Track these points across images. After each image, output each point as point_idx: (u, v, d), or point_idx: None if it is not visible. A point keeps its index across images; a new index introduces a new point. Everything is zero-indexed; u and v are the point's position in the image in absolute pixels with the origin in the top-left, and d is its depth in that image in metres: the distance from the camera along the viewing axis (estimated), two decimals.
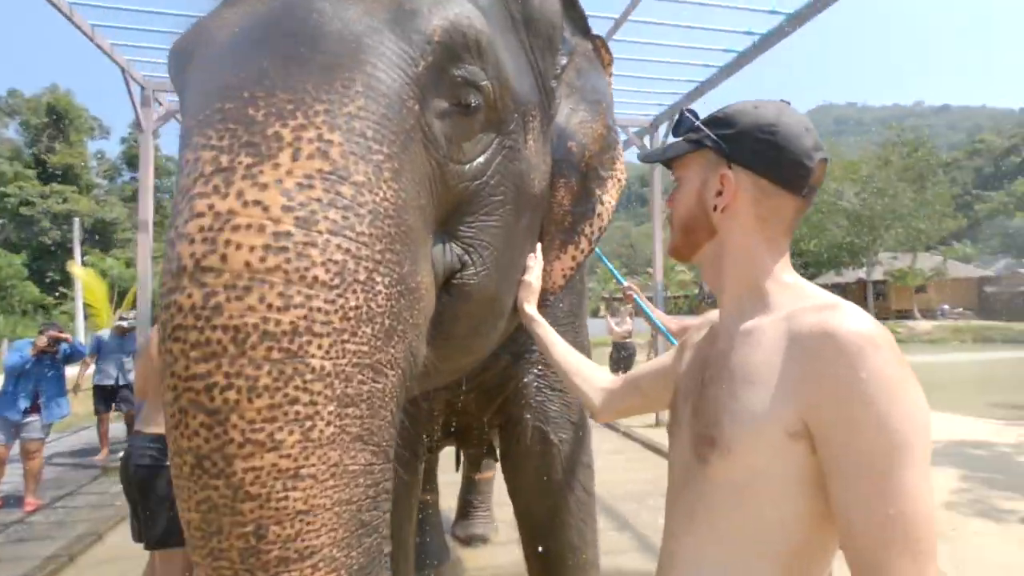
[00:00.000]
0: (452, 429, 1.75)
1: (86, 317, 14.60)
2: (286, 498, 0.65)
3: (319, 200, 0.69)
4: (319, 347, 0.67)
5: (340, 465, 0.69)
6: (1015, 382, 12.51)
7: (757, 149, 0.72)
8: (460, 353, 1.09)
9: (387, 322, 0.74)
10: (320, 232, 0.69)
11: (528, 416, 1.63)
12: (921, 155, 28.79)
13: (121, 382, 5.59)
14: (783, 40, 4.64)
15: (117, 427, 6.09)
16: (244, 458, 0.64)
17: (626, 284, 2.38)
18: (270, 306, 0.65)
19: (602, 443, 5.56)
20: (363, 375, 0.71)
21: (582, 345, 1.74)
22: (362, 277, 0.71)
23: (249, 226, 0.66)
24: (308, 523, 0.66)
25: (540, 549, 1.72)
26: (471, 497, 3.48)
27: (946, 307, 31.80)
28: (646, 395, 1.01)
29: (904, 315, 30.34)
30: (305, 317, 0.66)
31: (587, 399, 1.09)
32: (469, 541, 3.30)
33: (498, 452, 1.90)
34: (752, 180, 0.73)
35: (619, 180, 1.40)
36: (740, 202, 0.74)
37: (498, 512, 3.47)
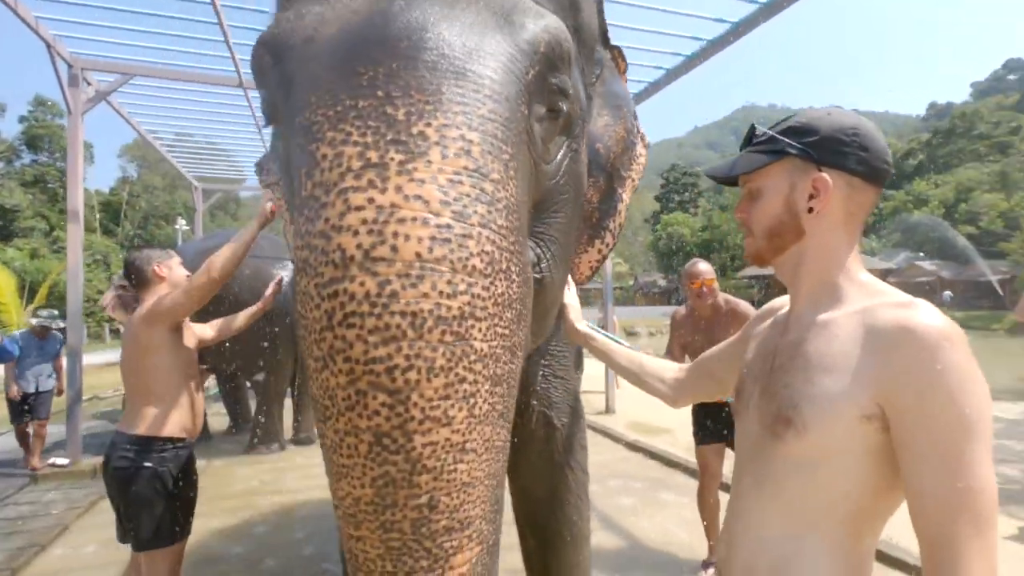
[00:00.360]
0: None
1: None
2: (455, 471, 0.71)
3: (468, 195, 0.75)
4: (479, 330, 0.74)
5: (491, 440, 0.76)
6: None
7: (846, 151, 0.79)
8: (534, 337, 1.15)
9: (518, 307, 0.81)
10: (473, 224, 0.74)
11: (535, 402, 1.71)
12: None
13: (41, 389, 5.00)
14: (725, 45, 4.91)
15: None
16: (423, 433, 0.69)
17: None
18: (441, 293, 0.71)
19: None
20: (505, 356, 0.78)
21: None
22: (504, 266, 0.78)
23: (415, 219, 0.71)
24: (469, 494, 0.73)
25: (539, 524, 1.82)
26: None
27: None
28: (720, 380, 1.10)
29: None
30: (469, 303, 0.73)
31: (661, 394, 1.18)
32: None
33: None
34: (845, 180, 0.80)
35: (634, 180, 1.52)
36: (834, 201, 0.80)
37: None
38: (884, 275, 37.02)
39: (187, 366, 2.09)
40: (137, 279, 2.13)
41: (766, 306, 1.02)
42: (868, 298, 0.77)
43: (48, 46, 4.53)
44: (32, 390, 4.96)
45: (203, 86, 5.75)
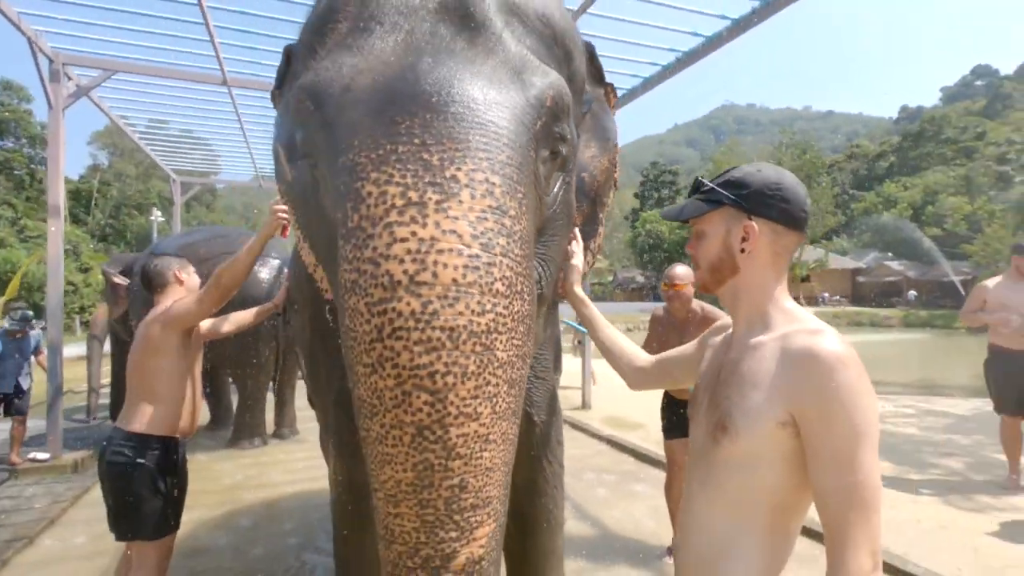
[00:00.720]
0: None
1: None
2: (481, 458, 0.88)
3: (492, 229, 0.91)
4: (501, 342, 0.90)
5: (507, 433, 0.93)
6: (883, 362, 14.38)
7: (770, 203, 0.96)
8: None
9: (528, 322, 0.97)
10: (496, 254, 0.90)
11: None
12: (808, 158, 31.86)
13: (23, 388, 4.97)
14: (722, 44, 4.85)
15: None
16: (457, 426, 0.85)
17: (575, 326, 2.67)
18: (472, 311, 0.87)
19: None
20: (519, 363, 0.94)
21: (557, 334, 2.11)
22: (519, 288, 0.94)
23: (451, 250, 0.87)
24: (490, 478, 0.89)
25: (518, 512, 1.98)
26: None
27: (826, 295, 35.57)
28: (676, 379, 1.27)
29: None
30: (494, 320, 0.89)
31: (625, 375, 1.35)
32: None
33: None
34: (770, 227, 0.96)
35: (609, 203, 1.71)
36: (761, 245, 0.97)
37: None
38: (854, 274, 38.15)
39: (191, 369, 2.20)
40: (157, 283, 2.27)
41: (719, 323, 1.18)
42: (788, 324, 0.94)
43: (30, 41, 4.51)
44: (10, 390, 4.93)
45: (184, 82, 5.75)
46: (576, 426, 5.99)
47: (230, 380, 5.94)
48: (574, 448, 5.16)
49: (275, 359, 5.42)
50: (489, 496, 0.91)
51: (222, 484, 4.30)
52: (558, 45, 1.30)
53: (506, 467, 0.94)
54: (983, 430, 5.46)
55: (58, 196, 4.85)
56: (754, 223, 0.97)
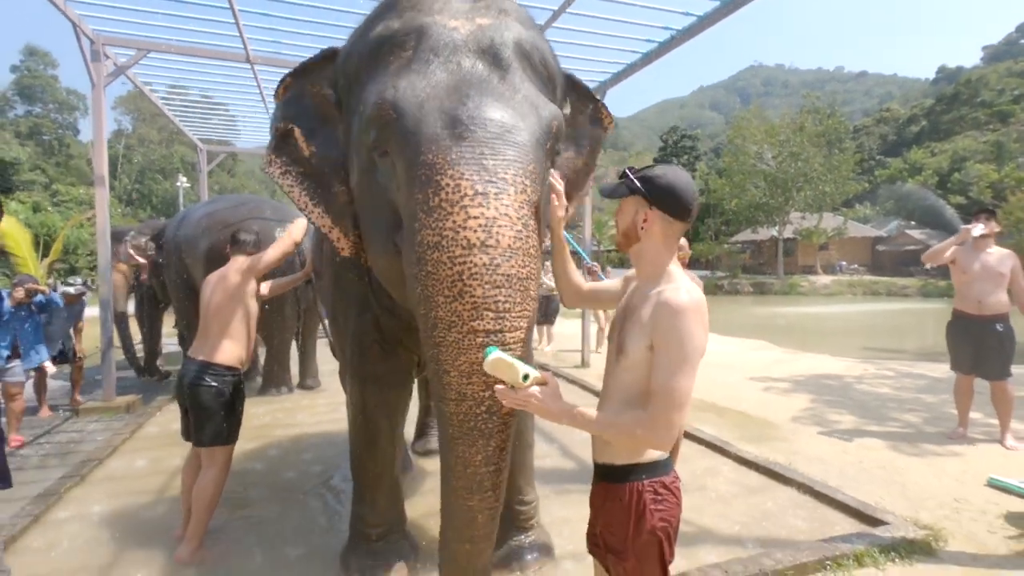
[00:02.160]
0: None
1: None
2: (518, 351, 1.40)
3: (527, 214, 1.44)
4: (532, 285, 1.44)
5: (528, 341, 1.44)
6: (887, 329, 14.63)
7: (666, 200, 1.35)
8: None
9: (539, 272, 1.52)
10: (530, 230, 1.44)
11: None
12: (832, 123, 31.05)
13: (66, 348, 5.38)
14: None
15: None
16: (511, 332, 1.39)
17: (592, 264, 3.08)
18: (520, 265, 1.40)
19: None
20: (536, 297, 1.49)
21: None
22: (537, 253, 1.47)
23: (506, 225, 1.39)
24: (523, 330, 1.42)
25: None
26: (428, 420, 4.22)
27: (844, 263, 35.18)
28: (602, 304, 1.75)
29: (808, 270, 33.36)
30: (529, 271, 1.42)
31: (563, 292, 1.78)
32: (427, 454, 4.04)
33: None
34: (661, 216, 1.37)
35: (585, 193, 2.24)
36: (655, 227, 1.38)
37: None
38: (874, 243, 37.58)
39: (254, 314, 2.78)
40: (254, 245, 2.87)
41: (630, 273, 1.60)
42: (666, 284, 1.35)
43: (74, 25, 4.96)
44: (56, 353, 5.27)
45: (210, 59, 6.16)
46: (574, 382, 6.47)
47: (258, 337, 6.54)
48: (573, 399, 5.64)
49: (296, 318, 5.97)
50: (522, 337, 1.43)
51: (255, 424, 4.89)
52: (551, 81, 1.83)
53: (527, 332, 1.45)
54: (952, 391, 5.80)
55: (102, 166, 5.36)
56: (652, 212, 1.38)
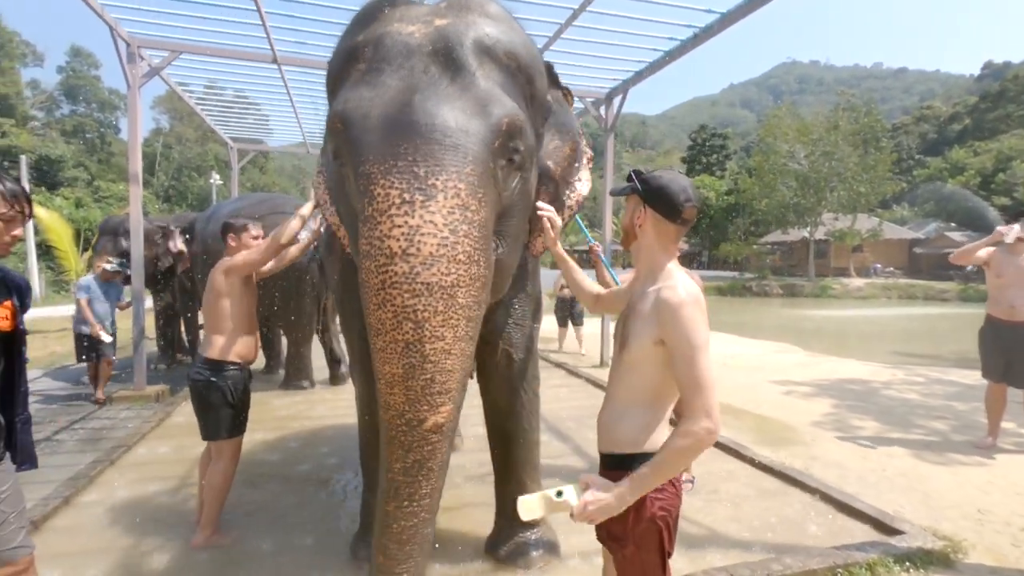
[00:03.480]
0: None
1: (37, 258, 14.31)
2: (444, 363, 1.37)
3: (457, 219, 1.40)
4: (461, 293, 1.39)
5: (464, 350, 1.42)
6: (921, 334, 14.14)
7: (658, 201, 1.41)
8: (493, 294, 1.77)
9: (483, 280, 1.48)
10: (459, 236, 1.40)
11: (500, 342, 2.38)
12: (868, 121, 30.12)
13: (109, 331, 5.55)
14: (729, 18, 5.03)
15: None
16: (430, 343, 1.36)
17: (594, 243, 3.06)
18: (442, 272, 1.36)
19: (551, 379, 6.44)
20: (475, 306, 1.45)
21: (537, 291, 2.56)
22: (476, 258, 1.43)
23: (429, 233, 1.36)
24: (450, 376, 1.39)
25: (500, 429, 2.51)
26: None
27: (879, 266, 34.12)
28: (617, 308, 1.76)
29: (841, 272, 32.45)
30: (456, 278, 1.38)
31: (586, 302, 1.87)
32: None
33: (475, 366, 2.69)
34: (653, 215, 1.43)
35: (586, 185, 2.17)
36: (647, 225, 1.45)
37: (461, 429, 4.28)
38: (911, 245, 36.36)
39: (250, 309, 2.81)
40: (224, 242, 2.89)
41: (636, 276, 1.63)
42: (664, 281, 1.40)
43: (111, 28, 5.15)
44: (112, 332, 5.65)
45: (239, 60, 6.33)
46: (593, 382, 6.46)
47: (281, 332, 6.69)
48: (588, 399, 5.68)
49: (317, 312, 6.10)
50: (450, 388, 1.41)
51: (275, 415, 5.04)
52: (521, 73, 1.76)
53: (463, 372, 1.44)
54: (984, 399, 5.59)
55: (137, 165, 5.56)
56: (646, 211, 1.45)
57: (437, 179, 1.39)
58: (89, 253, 11.57)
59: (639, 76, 6.50)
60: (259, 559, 2.62)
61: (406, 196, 1.36)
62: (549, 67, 2.08)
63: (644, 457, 1.36)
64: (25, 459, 1.72)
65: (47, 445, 4.28)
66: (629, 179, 1.49)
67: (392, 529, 1.42)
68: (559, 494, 1.32)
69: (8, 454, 1.66)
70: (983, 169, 38.55)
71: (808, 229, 31.01)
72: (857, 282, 29.59)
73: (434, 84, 1.53)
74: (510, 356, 2.43)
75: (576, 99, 7.24)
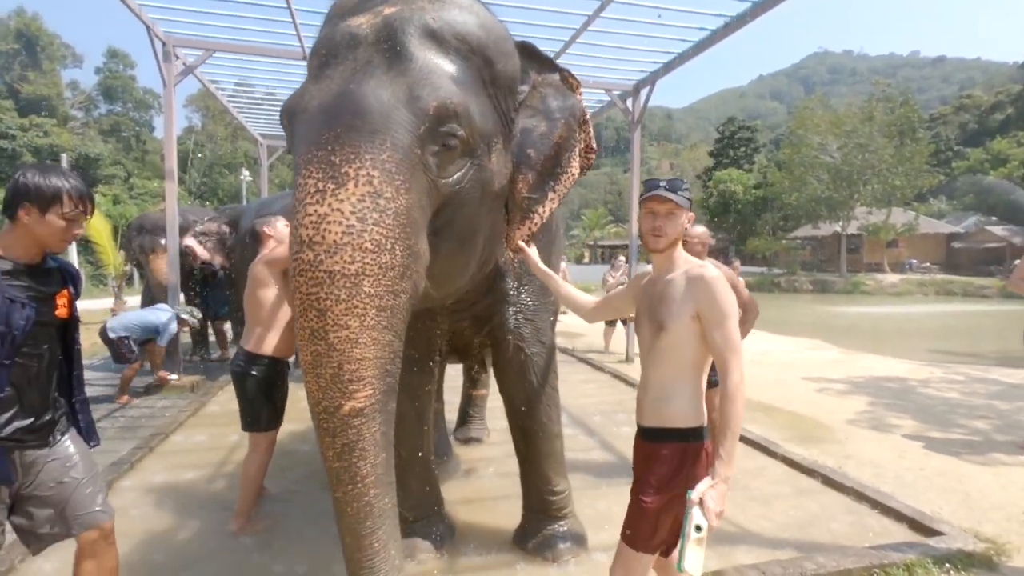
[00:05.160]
0: (457, 346, 2.56)
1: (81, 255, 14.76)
2: (352, 351, 1.31)
3: (367, 207, 1.33)
4: (368, 281, 1.33)
5: (377, 339, 1.35)
6: (961, 331, 13.66)
7: (688, 204, 1.65)
8: (442, 286, 1.73)
9: (401, 269, 1.40)
10: (368, 223, 1.33)
11: (509, 337, 2.37)
12: (904, 111, 29.12)
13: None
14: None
15: None
16: (335, 331, 1.31)
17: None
18: (345, 261, 1.30)
19: (575, 374, 6.42)
20: (388, 295, 1.37)
21: (551, 261, 2.42)
22: (388, 246, 1.36)
23: (335, 221, 1.31)
24: (362, 364, 1.33)
25: (521, 423, 2.51)
26: (469, 409, 4.30)
27: (914, 261, 33.04)
28: (618, 312, 1.94)
29: (875, 268, 31.50)
30: (362, 267, 1.32)
31: (580, 313, 2.05)
32: (467, 442, 4.13)
33: (489, 363, 2.67)
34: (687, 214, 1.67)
35: (572, 174, 2.00)
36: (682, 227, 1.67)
37: (490, 423, 4.31)
38: (949, 239, 35.07)
39: (282, 303, 2.82)
40: (255, 237, 2.92)
41: (642, 272, 1.76)
42: (686, 265, 1.67)
43: (148, 28, 5.30)
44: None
45: (269, 57, 6.44)
46: (618, 376, 6.43)
47: None
48: (613, 395, 5.66)
49: None
50: (362, 375, 1.33)
51: (304, 405, 5.12)
52: (476, 55, 1.66)
53: (377, 359, 1.36)
54: None
55: (172, 161, 5.72)
56: (690, 213, 1.70)
57: (350, 167, 1.35)
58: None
59: (667, 67, 6.41)
60: (293, 544, 2.69)
61: (320, 185, 1.34)
62: (527, 48, 1.98)
63: (699, 429, 1.62)
64: (88, 436, 1.85)
65: None
66: (674, 188, 1.64)
67: (348, 513, 1.42)
68: (698, 529, 1.42)
69: (73, 429, 1.80)
70: None
71: (840, 223, 30.18)
72: (891, 278, 28.71)
73: (369, 73, 1.49)
74: (521, 350, 2.42)
75: (603, 92, 7.22)
